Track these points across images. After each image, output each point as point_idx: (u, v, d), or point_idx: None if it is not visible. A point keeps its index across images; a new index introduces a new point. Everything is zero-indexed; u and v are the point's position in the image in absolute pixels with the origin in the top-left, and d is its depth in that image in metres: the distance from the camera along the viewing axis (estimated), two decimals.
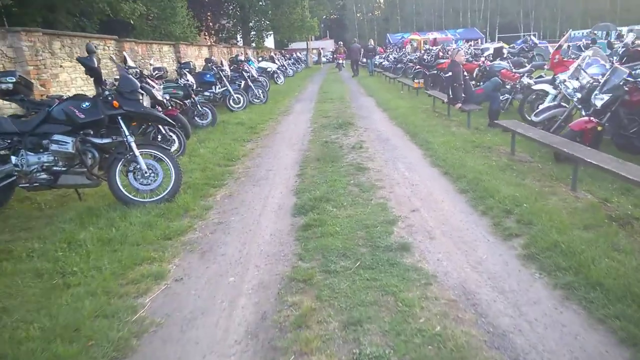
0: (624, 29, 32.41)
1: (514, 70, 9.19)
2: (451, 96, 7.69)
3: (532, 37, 22.44)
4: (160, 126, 6.43)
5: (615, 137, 5.22)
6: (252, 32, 31.90)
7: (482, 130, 7.32)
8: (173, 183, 4.58)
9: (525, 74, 9.14)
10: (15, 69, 7.41)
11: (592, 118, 5.16)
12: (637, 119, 5.00)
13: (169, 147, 6.54)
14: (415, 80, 12.21)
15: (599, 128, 5.06)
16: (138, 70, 6.49)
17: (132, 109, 4.56)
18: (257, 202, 4.59)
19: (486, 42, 47.50)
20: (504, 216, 3.65)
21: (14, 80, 5.88)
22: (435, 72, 13.43)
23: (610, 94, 4.96)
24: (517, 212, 3.67)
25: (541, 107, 7.70)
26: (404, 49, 25.91)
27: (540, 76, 9.53)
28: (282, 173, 5.62)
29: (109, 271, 3.14)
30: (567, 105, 6.24)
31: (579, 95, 5.82)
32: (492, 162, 5.26)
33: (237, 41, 31.19)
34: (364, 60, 26.46)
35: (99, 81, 4.65)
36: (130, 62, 6.56)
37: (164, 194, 4.52)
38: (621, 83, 4.89)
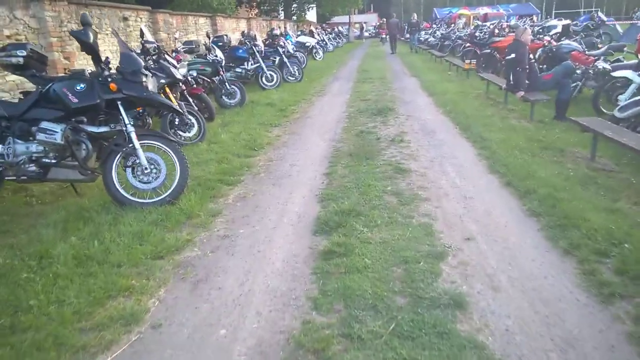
0: None
1: (587, 52, 7.83)
2: (512, 82, 6.52)
3: (600, 14, 20.16)
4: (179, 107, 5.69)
5: None
6: (294, 5, 30.68)
7: (547, 124, 6.15)
8: (177, 181, 3.83)
9: (601, 57, 7.76)
10: (28, 42, 6.81)
11: None
12: None
13: (187, 132, 5.84)
14: (466, 61, 10.91)
15: None
16: (155, 46, 5.74)
17: (133, 92, 3.80)
18: (274, 209, 3.78)
19: (544, 18, 44.01)
20: (597, 261, 2.66)
21: (25, 53, 5.26)
22: (489, 51, 12.01)
23: None
24: (616, 254, 2.67)
25: (622, 98, 6.45)
26: (452, 25, 24.07)
27: (618, 60, 8.10)
28: (308, 170, 4.77)
29: (73, 308, 2.43)
30: None
31: None
32: (568, 172, 4.19)
33: (279, 14, 30.05)
34: (407, 36, 25.03)
35: (96, 59, 3.92)
36: (148, 36, 5.80)
37: (166, 194, 3.79)
38: None
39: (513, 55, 6.35)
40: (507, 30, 12.81)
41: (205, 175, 4.50)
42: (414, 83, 10.99)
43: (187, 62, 7.80)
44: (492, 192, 3.90)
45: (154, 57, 5.70)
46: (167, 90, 5.59)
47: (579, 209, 3.28)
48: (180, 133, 5.76)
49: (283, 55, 11.61)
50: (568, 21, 12.02)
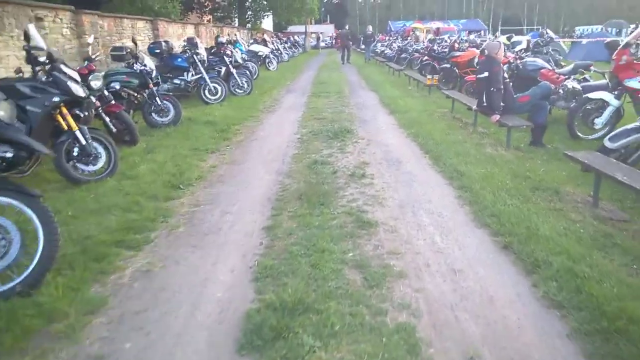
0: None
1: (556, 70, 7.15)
2: (485, 104, 5.63)
3: (549, 31, 20.27)
4: (80, 133, 4.35)
5: None
6: (249, 12, 29.41)
7: (526, 152, 5.29)
8: (37, 260, 2.53)
9: (571, 77, 7.10)
10: None
11: None
12: None
13: (90, 164, 4.49)
14: (428, 76, 10.08)
15: None
16: (48, 53, 4.38)
17: None
18: (186, 294, 2.56)
19: (491, 34, 45.02)
20: None
21: None
22: (449, 66, 11.35)
23: None
24: None
25: (599, 122, 5.73)
26: (408, 38, 23.61)
27: (584, 79, 7.49)
28: (244, 221, 3.58)
29: None
30: None
31: None
32: (576, 226, 3.24)
33: (232, 22, 28.65)
34: (363, 47, 24.65)
35: None
36: (37, 40, 4.40)
37: (16, 280, 2.48)
38: None
39: (486, 74, 5.46)
40: (467, 45, 12.19)
41: (98, 235, 3.21)
42: (373, 98, 10.04)
43: (103, 73, 6.42)
44: (488, 262, 2.86)
45: (46, 68, 4.35)
46: (64, 110, 4.25)
47: (613, 295, 2.30)
48: (82, 166, 4.41)
49: (230, 66, 10.34)
50: (528, 37, 11.43)
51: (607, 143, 4.34)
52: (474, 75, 9.47)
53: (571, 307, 2.30)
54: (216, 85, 9.16)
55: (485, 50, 5.92)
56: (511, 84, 7.58)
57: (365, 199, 3.95)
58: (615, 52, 5.74)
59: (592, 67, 7.26)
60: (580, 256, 2.73)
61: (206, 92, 9.07)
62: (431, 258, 2.91)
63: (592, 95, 5.77)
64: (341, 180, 4.47)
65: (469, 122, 6.80)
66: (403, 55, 17.30)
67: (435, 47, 13.42)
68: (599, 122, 5.73)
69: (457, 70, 11.15)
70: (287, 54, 23.58)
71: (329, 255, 2.89)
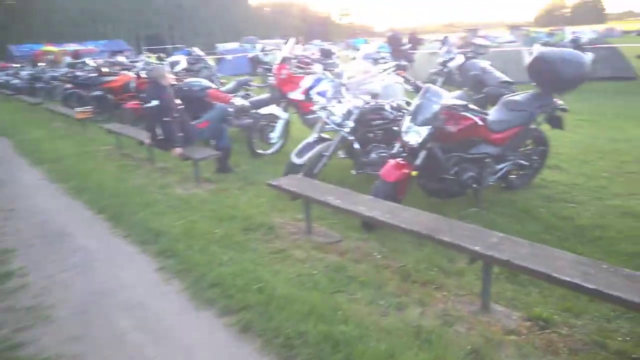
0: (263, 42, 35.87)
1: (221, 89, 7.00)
2: (162, 136, 4.73)
3: (196, 49, 21.12)
4: None
5: (427, 181, 3.72)
6: None
7: (217, 182, 4.77)
8: None
9: (238, 95, 7.12)
10: None
11: (401, 161, 3.49)
12: (455, 156, 3.63)
13: None
14: (78, 109, 8.24)
15: (414, 173, 3.44)
16: None
17: None
18: None
19: (140, 54, 44.04)
20: None
21: None
22: (100, 93, 9.83)
23: (430, 127, 3.36)
24: None
25: (273, 136, 5.85)
26: (40, 64, 19.87)
27: (247, 95, 7.72)
28: None
29: None
30: (329, 138, 4.47)
31: (350, 124, 4.13)
32: (305, 267, 2.82)
33: None
34: None
35: None
36: None
37: None
38: (437, 110, 3.35)
39: (156, 103, 4.58)
40: (117, 67, 10.87)
41: None
42: (5, 146, 7.49)
43: None
44: None
45: None
46: None
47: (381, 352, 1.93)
48: None
49: None
50: (183, 56, 11.08)
51: (295, 159, 4.27)
52: (136, 102, 8.46)
53: None
54: None
55: (151, 76, 5.01)
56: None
57: (19, 318, 2.42)
58: (276, 67, 5.91)
59: (251, 83, 7.52)
60: (328, 310, 2.28)
61: None
62: None
63: (263, 111, 5.81)
64: None
65: (143, 159, 5.78)
66: (38, 85, 14.26)
67: (79, 73, 11.49)
68: (274, 136, 5.84)
69: (111, 98, 9.79)
70: None
71: None
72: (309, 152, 4.30)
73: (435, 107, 3.34)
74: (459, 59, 9.47)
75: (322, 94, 5.78)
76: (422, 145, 3.37)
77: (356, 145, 4.24)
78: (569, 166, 4.81)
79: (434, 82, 8.18)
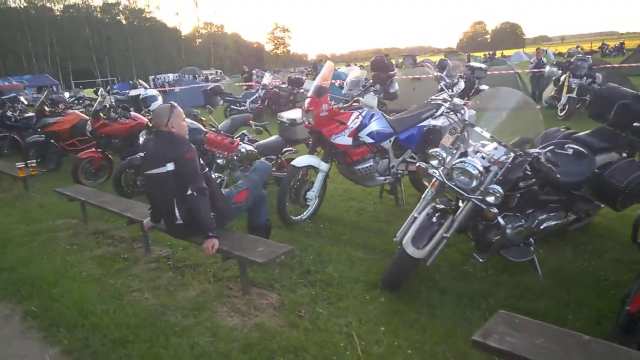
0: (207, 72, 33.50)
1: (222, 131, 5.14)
2: (180, 221, 2.79)
3: (141, 82, 18.61)
4: None
5: None
6: None
7: (273, 284, 2.94)
8: None
9: (236, 137, 5.30)
10: None
11: None
12: None
13: None
14: (20, 164, 5.82)
15: None
16: None
17: None
18: None
19: (65, 89, 39.67)
20: None
21: None
22: (42, 138, 7.45)
23: None
24: None
25: (311, 196, 4.12)
26: None
27: (243, 135, 5.86)
28: None
29: None
30: (445, 208, 2.87)
31: (497, 189, 2.57)
32: None
33: None
34: None
35: None
36: None
37: None
38: None
39: (169, 168, 2.65)
40: (62, 106, 8.43)
41: None
42: None
43: None
44: None
45: None
46: None
47: None
48: None
49: None
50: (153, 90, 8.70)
51: (412, 250, 2.63)
52: (93, 150, 6.29)
53: None
54: None
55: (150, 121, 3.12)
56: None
57: None
58: (309, 102, 4.09)
59: (251, 121, 5.73)
60: None
61: None
62: None
63: (297, 163, 4.06)
64: None
65: (129, 238, 3.78)
66: None
67: (9, 113, 8.94)
68: (312, 195, 4.12)
69: (57, 144, 7.45)
70: None
71: None
72: (431, 238, 2.68)
73: None
74: (461, 85, 8.47)
75: (375, 136, 4.21)
76: None
77: (501, 221, 2.69)
78: None
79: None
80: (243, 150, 5.02)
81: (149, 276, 3.09)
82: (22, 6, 49.86)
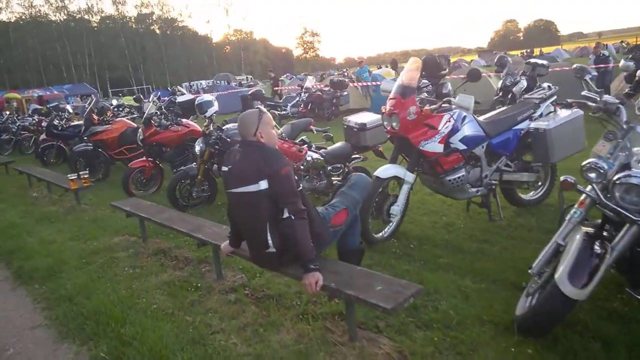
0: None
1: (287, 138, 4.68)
2: (272, 249, 2.32)
3: (180, 88, 18.62)
4: None
5: None
6: None
7: (380, 337, 2.43)
8: None
9: (312, 146, 4.83)
10: None
11: None
12: None
13: None
14: (72, 176, 5.52)
15: None
16: None
17: None
18: None
19: (106, 97, 40.56)
20: None
21: None
22: (89, 147, 7.20)
23: None
24: None
25: (396, 210, 3.57)
26: (4, 113, 16.80)
27: (302, 141, 5.37)
28: None
29: None
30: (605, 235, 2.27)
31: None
32: None
33: None
34: None
35: None
36: None
37: None
38: None
39: (262, 186, 2.16)
40: (110, 114, 8.23)
41: None
42: None
43: None
44: None
45: None
46: None
47: None
48: None
49: None
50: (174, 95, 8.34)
51: (572, 292, 2.03)
52: (144, 159, 5.94)
53: None
54: None
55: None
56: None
57: None
58: (393, 104, 3.53)
59: (312, 127, 5.24)
60: None
61: None
62: None
63: (382, 174, 3.51)
64: None
65: (195, 260, 3.34)
66: (5, 137, 11.36)
67: (56, 122, 8.81)
68: (397, 209, 3.56)
69: (105, 153, 7.19)
70: None
71: None
72: (592, 275, 2.07)
73: None
74: (523, 83, 7.77)
75: (468, 141, 3.62)
76: None
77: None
78: None
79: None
80: (309, 158, 4.54)
81: (230, 312, 2.61)
82: (61, 19, 51.42)
